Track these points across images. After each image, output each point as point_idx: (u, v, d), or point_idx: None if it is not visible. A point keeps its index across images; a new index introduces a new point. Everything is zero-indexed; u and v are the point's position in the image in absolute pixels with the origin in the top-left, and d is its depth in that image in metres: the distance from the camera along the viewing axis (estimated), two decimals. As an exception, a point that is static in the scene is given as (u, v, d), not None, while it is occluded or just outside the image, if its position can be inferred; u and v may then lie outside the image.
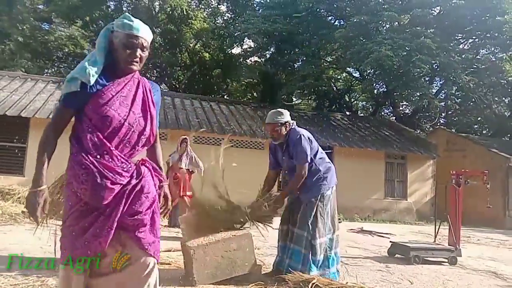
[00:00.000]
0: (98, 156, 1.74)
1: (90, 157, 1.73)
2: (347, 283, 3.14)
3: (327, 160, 4.05)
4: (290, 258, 3.77)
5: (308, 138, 3.92)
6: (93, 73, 1.76)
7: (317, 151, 3.96)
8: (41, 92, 11.64)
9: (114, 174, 1.75)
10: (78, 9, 18.65)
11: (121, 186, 1.77)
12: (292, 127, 3.93)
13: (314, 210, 3.78)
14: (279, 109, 4.02)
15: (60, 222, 4.18)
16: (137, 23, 1.85)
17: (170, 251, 4.74)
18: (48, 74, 19.65)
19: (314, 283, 2.93)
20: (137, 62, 1.86)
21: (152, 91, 1.97)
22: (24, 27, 17.44)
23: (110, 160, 1.76)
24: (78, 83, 1.76)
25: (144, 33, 1.85)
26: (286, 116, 3.89)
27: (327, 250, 3.78)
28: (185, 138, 6.90)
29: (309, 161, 3.82)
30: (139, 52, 1.84)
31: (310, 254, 3.69)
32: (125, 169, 1.79)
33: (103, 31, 1.88)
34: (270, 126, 3.89)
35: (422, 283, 4.45)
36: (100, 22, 20.44)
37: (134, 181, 1.82)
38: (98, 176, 1.72)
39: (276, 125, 3.84)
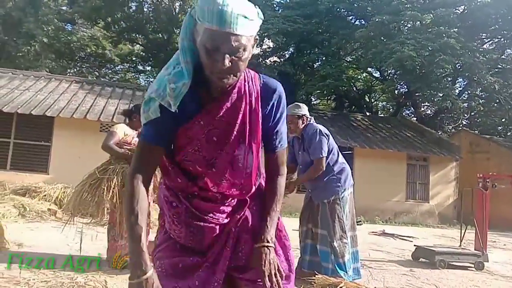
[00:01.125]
0: (190, 196, 1.32)
1: (180, 196, 1.32)
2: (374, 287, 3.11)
3: (342, 160, 4.03)
4: (321, 258, 3.76)
5: (326, 134, 3.92)
6: (176, 94, 1.18)
7: (331, 150, 3.95)
8: (65, 92, 11.87)
9: (213, 214, 1.32)
10: (100, 10, 18.98)
11: (223, 224, 1.35)
12: (310, 122, 4.00)
13: (332, 212, 3.78)
14: (298, 103, 4.14)
15: (86, 220, 4.28)
16: (222, 6, 1.10)
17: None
18: (71, 74, 20.06)
19: (341, 287, 2.89)
20: (228, 74, 1.17)
21: (265, 99, 1.32)
22: (49, 28, 17.82)
23: (205, 200, 1.32)
24: (157, 107, 1.21)
25: (238, 24, 1.11)
26: (304, 109, 3.99)
27: (347, 252, 3.75)
28: None
29: (326, 155, 3.82)
30: (227, 59, 1.13)
31: (333, 255, 3.68)
32: (226, 204, 1.35)
33: (186, 19, 1.23)
34: (288, 118, 3.94)
35: (448, 288, 4.37)
36: (122, 23, 20.76)
37: (238, 216, 1.36)
38: (193, 219, 1.31)
39: (293, 117, 3.94)
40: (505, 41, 16.22)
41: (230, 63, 1.15)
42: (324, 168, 3.81)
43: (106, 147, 3.89)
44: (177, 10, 20.49)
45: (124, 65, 23.87)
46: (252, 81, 1.32)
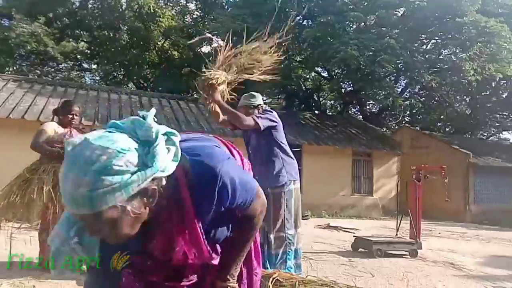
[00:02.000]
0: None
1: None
2: (307, 276, 3.20)
3: (291, 154, 4.03)
4: None
5: (275, 121, 3.78)
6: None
7: (282, 141, 3.88)
8: (0, 90, 11.20)
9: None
10: (40, 5, 18.03)
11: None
12: (265, 109, 3.86)
13: (275, 203, 3.70)
14: (252, 92, 3.97)
15: (17, 225, 4.08)
16: (64, 182, 0.93)
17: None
18: (10, 72, 18.90)
19: (275, 278, 2.96)
20: (115, 241, 1.04)
21: (205, 194, 1.12)
22: (-18, 23, 16.71)
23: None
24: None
25: (86, 204, 0.92)
26: (259, 99, 3.87)
27: (287, 246, 3.77)
28: None
29: (259, 127, 3.61)
30: (103, 231, 1.00)
31: (266, 247, 3.68)
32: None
33: None
34: (243, 109, 3.81)
35: (382, 275, 4.59)
36: (65, 19, 19.87)
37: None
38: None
39: (249, 107, 3.81)
40: (442, 42, 17.19)
41: (104, 233, 1.00)
42: (248, 126, 3.57)
43: (36, 145, 3.74)
44: (124, 6, 19.92)
45: (68, 63, 22.84)
46: (177, 192, 1.09)
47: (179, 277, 1.28)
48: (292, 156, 4.00)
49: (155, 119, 1.04)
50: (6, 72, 18.39)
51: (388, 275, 4.62)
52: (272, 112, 3.84)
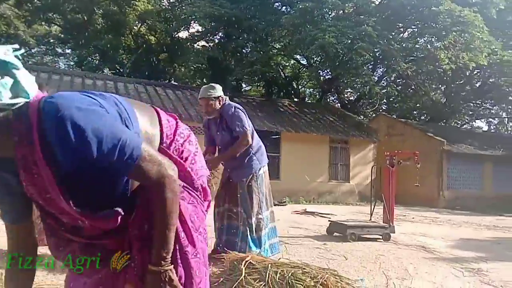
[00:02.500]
0: None
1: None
2: (279, 259, 3.23)
3: (258, 139, 4.11)
4: (237, 236, 3.82)
5: (243, 110, 3.94)
6: None
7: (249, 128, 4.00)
8: (-32, 74, 10.78)
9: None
10: (8, -14, 17.34)
11: None
12: (226, 102, 3.93)
13: (249, 189, 3.85)
14: (212, 84, 4.02)
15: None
16: None
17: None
18: (-22, 56, 18.15)
19: (247, 261, 2.97)
20: None
21: (55, 140, 1.05)
22: None
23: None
24: None
25: None
26: (218, 90, 3.89)
27: (263, 228, 3.87)
28: None
29: (249, 129, 3.83)
30: None
31: (248, 232, 3.77)
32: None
33: None
34: (204, 101, 3.87)
35: (356, 258, 4.67)
36: (36, 1, 19.17)
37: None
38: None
39: (209, 99, 3.84)
40: (418, 31, 17.39)
41: None
42: (251, 141, 3.81)
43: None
44: (98, -11, 19.36)
45: (41, 48, 22.16)
46: (28, 130, 1.07)
47: (76, 232, 1.25)
48: (258, 139, 4.09)
49: (19, 58, 1.09)
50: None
51: (361, 258, 4.71)
52: (236, 107, 3.91)
